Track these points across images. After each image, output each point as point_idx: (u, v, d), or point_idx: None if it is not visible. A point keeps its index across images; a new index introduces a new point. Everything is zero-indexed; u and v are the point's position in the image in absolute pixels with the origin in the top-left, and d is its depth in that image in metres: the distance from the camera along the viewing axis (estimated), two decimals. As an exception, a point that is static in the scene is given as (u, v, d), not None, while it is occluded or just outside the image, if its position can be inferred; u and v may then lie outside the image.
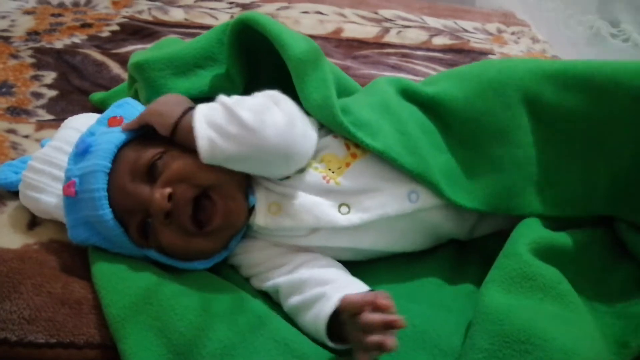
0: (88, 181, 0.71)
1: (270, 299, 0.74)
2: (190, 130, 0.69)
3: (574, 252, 0.74)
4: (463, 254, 0.82)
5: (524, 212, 0.74)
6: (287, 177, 0.73)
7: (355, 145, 0.76)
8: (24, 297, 0.68)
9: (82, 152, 0.74)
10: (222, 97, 0.71)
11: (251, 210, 0.74)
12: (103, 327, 0.67)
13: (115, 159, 0.72)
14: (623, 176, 0.73)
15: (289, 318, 0.71)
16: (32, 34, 1.31)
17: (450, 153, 0.76)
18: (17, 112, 1.03)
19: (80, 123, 0.83)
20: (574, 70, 0.74)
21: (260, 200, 0.74)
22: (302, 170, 0.73)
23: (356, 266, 0.76)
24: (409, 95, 0.80)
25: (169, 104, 0.75)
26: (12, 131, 0.98)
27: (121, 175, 0.71)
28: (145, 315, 0.66)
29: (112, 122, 0.78)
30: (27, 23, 1.36)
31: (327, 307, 0.65)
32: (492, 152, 0.74)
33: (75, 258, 0.76)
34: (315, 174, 0.74)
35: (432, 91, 0.79)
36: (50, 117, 1.03)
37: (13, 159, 0.91)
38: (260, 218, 0.73)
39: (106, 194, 0.71)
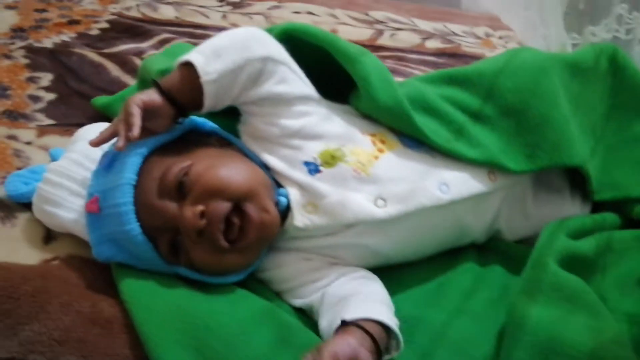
0: (113, 196, 0.69)
1: (304, 314, 0.74)
2: (174, 70, 0.73)
3: (594, 260, 0.77)
4: (484, 262, 0.83)
5: (575, 162, 0.80)
6: (319, 172, 0.73)
7: (381, 141, 0.78)
8: (52, 317, 0.66)
9: (105, 166, 0.72)
10: None
11: (283, 214, 0.73)
12: (137, 346, 0.65)
13: (141, 171, 0.70)
14: None
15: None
16: (18, 31, 1.25)
17: (497, 126, 0.81)
18: (14, 116, 0.99)
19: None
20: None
21: (296, 201, 0.73)
22: (333, 165, 0.74)
23: (381, 275, 0.77)
24: (445, 77, 0.84)
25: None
26: (12, 137, 0.94)
27: (148, 191, 0.69)
28: (180, 334, 0.64)
29: None
30: (10, 18, 1.30)
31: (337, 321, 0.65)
32: (544, 114, 0.80)
33: (98, 274, 0.73)
34: (346, 167, 0.74)
35: (470, 67, 0.85)
36: (51, 121, 0.99)
37: (18, 168, 0.88)
38: (298, 219, 0.72)
39: (133, 207, 0.69)
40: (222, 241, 0.68)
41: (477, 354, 0.69)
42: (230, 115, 0.82)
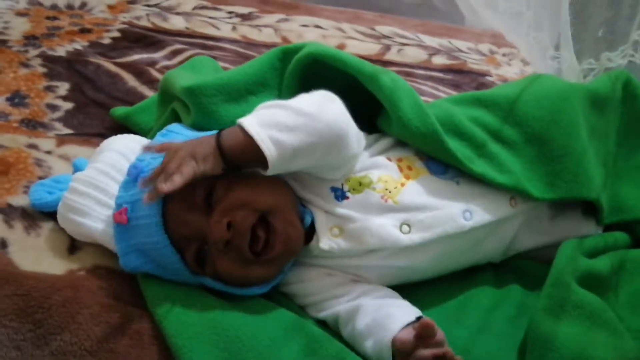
0: (142, 207, 0.70)
1: (327, 327, 0.75)
2: (242, 143, 0.67)
3: (608, 278, 0.79)
4: (500, 280, 0.85)
5: (592, 197, 0.82)
6: (346, 198, 0.74)
7: (407, 167, 0.79)
8: (83, 327, 0.67)
9: (134, 178, 0.72)
10: (264, 103, 0.71)
11: (308, 232, 0.74)
12: (167, 357, 0.66)
13: None
14: None
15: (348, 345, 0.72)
16: (30, 38, 1.26)
17: (520, 152, 0.81)
18: (32, 124, 0.99)
19: (124, 146, 0.80)
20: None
21: (321, 224, 0.74)
22: (360, 191, 0.75)
23: (401, 294, 0.78)
24: (472, 99, 0.86)
25: (193, 142, 0.70)
26: (33, 146, 0.94)
27: (176, 202, 0.70)
28: (212, 347, 0.65)
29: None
30: (22, 26, 1.31)
31: (388, 336, 0.67)
32: (567, 145, 0.81)
33: (124, 285, 0.74)
34: (374, 194, 0.75)
35: (496, 90, 0.87)
36: (69, 131, 1.00)
37: (39, 177, 0.88)
38: (325, 242, 0.73)
39: (162, 219, 0.70)
40: (247, 252, 0.69)
41: None
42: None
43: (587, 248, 0.82)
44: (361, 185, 0.75)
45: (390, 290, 0.77)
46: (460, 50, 1.59)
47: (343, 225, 0.74)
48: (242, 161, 0.69)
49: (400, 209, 0.75)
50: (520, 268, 0.86)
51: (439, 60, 1.50)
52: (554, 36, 1.36)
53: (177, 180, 0.64)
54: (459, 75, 1.44)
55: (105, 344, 0.66)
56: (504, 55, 1.60)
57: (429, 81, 1.38)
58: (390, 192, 0.75)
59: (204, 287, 0.73)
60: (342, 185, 0.75)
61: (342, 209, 0.74)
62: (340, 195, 0.75)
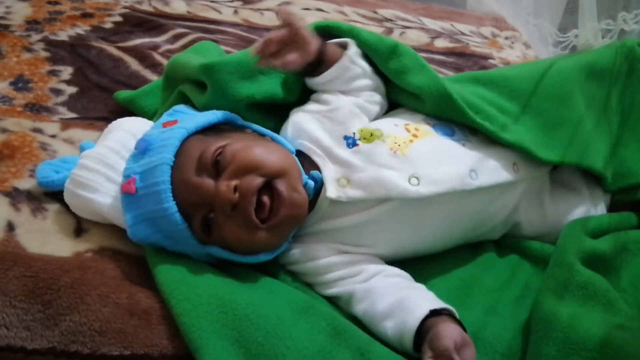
0: (151, 175, 0.71)
1: (334, 304, 0.76)
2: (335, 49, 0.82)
3: (611, 258, 0.79)
4: (504, 261, 0.85)
5: (591, 165, 0.85)
6: (356, 145, 0.77)
7: (415, 129, 0.81)
8: (92, 308, 0.67)
9: (142, 150, 0.74)
10: None
11: (314, 196, 0.76)
12: (175, 337, 0.67)
13: (178, 153, 0.72)
14: None
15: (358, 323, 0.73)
16: (32, 23, 1.25)
17: (520, 121, 0.84)
18: (36, 109, 0.99)
19: (134, 127, 0.82)
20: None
21: (328, 175, 0.76)
22: (370, 141, 0.78)
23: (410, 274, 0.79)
24: (471, 78, 0.88)
25: None
26: (37, 130, 0.94)
27: (185, 169, 0.71)
28: (220, 325, 0.66)
29: (166, 125, 0.77)
30: (23, 10, 1.30)
31: (412, 321, 0.68)
32: (560, 115, 0.85)
33: (132, 266, 0.75)
34: (383, 145, 0.77)
35: (494, 72, 0.88)
36: (73, 115, 1.00)
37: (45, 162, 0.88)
38: (332, 191, 0.75)
39: (170, 187, 0.71)
40: (253, 216, 0.69)
41: (507, 352, 0.71)
42: (267, 115, 0.85)
43: (592, 228, 0.82)
44: (372, 136, 0.78)
45: (402, 271, 0.78)
46: (463, 34, 1.58)
47: (350, 176, 0.76)
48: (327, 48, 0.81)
49: (409, 161, 0.76)
50: (524, 249, 0.86)
51: (441, 43, 1.50)
52: (555, 21, 1.36)
53: (296, 59, 0.76)
54: (461, 58, 1.43)
55: (114, 325, 0.66)
56: (506, 38, 1.60)
57: (431, 64, 1.34)
58: (399, 145, 0.77)
59: (213, 264, 0.74)
60: (354, 133, 0.78)
61: (350, 156, 0.76)
62: (351, 142, 0.78)
